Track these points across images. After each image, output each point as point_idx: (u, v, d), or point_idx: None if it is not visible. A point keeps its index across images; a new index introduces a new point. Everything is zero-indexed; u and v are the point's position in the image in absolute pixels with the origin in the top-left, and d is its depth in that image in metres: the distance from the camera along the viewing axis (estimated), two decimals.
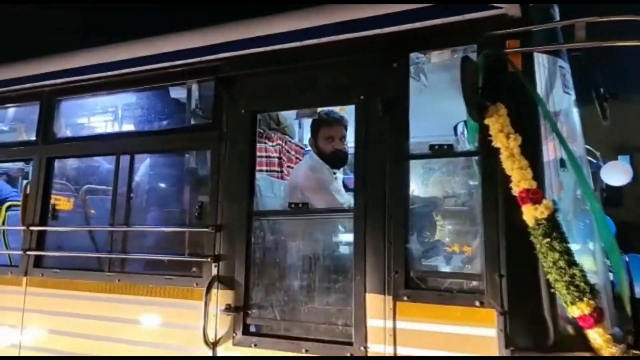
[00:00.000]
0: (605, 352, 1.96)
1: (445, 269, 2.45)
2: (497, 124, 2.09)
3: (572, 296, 1.95)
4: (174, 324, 2.73)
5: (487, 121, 2.10)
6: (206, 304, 2.55)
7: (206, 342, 2.54)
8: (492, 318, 2.07)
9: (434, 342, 2.15)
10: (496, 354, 2.04)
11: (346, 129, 3.10)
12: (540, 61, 2.19)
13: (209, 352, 2.57)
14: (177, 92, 3.21)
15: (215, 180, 2.72)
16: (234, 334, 2.55)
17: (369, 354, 2.25)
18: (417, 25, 2.35)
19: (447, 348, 2.12)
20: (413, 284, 2.24)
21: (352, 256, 2.36)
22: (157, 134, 3.08)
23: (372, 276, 2.29)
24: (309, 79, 2.57)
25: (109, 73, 3.04)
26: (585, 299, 1.95)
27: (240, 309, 2.55)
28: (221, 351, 2.57)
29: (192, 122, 3.12)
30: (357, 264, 2.33)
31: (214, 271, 2.63)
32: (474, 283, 2.16)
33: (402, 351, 2.20)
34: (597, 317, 1.96)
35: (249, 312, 2.57)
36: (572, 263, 1.96)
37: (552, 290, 1.99)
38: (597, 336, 1.97)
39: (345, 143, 3.12)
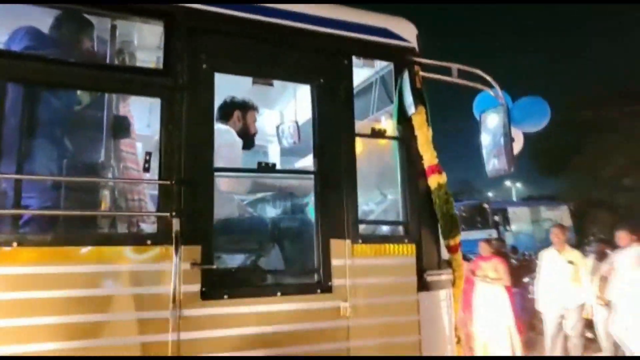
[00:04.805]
0: (458, 269, 3.22)
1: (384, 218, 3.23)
2: (420, 119, 3.11)
3: (453, 232, 3.14)
4: (121, 289, 2.35)
5: (414, 116, 3.09)
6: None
7: (175, 301, 2.37)
8: (413, 250, 3.01)
9: (381, 271, 2.89)
10: (415, 274, 2.98)
11: None
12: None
13: (171, 313, 2.39)
14: None
15: (169, 131, 2.56)
16: (203, 289, 2.48)
17: (334, 288, 2.75)
18: (352, 35, 3.11)
19: (390, 274, 2.91)
20: (364, 230, 2.93)
21: (316, 210, 2.82)
22: (82, 67, 2.45)
23: (334, 225, 2.82)
24: (275, 52, 2.86)
25: None
26: (458, 234, 3.18)
27: (209, 262, 2.51)
28: (188, 309, 2.44)
29: (116, 62, 2.68)
30: (322, 215, 2.81)
31: (176, 227, 2.47)
32: (401, 228, 3.06)
33: (358, 282, 2.83)
34: (459, 246, 3.23)
35: (217, 266, 2.56)
36: (454, 211, 3.16)
37: (440, 230, 3.14)
38: (458, 257, 3.22)
39: None
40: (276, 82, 3.80)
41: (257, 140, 4.65)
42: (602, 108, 20.17)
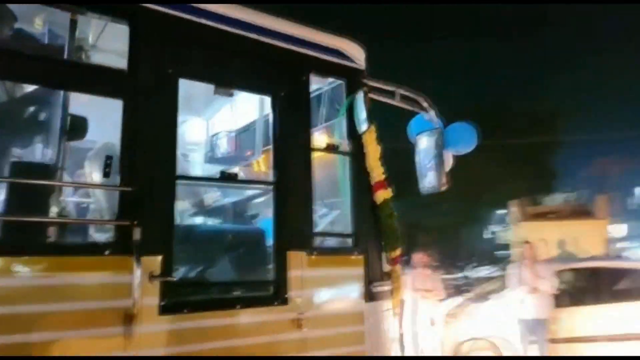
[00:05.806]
0: (397, 280, 3.41)
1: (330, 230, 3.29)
2: (371, 137, 3.26)
3: (395, 245, 3.33)
4: (73, 303, 2.13)
5: (366, 134, 3.23)
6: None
7: (132, 316, 2.21)
8: (362, 262, 3.12)
9: (333, 283, 2.96)
10: (363, 285, 3.09)
11: None
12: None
13: (127, 329, 2.22)
14: None
15: (130, 135, 2.40)
16: (162, 302, 2.34)
17: (290, 300, 2.76)
18: (311, 53, 3.19)
19: (341, 285, 2.99)
20: (318, 242, 2.98)
21: (274, 221, 2.81)
22: (39, 61, 2.17)
23: (291, 236, 2.84)
24: (240, 63, 2.83)
25: None
26: (400, 247, 3.37)
27: (169, 275, 2.38)
28: (144, 324, 2.28)
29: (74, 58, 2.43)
30: (279, 226, 2.81)
31: (136, 236, 2.30)
32: (350, 240, 3.16)
33: (312, 293, 2.86)
34: (399, 258, 3.42)
35: (177, 278, 2.43)
36: (396, 225, 3.35)
37: (383, 242, 3.30)
38: (397, 269, 3.41)
39: None
40: (205, 92, 3.70)
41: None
42: None
